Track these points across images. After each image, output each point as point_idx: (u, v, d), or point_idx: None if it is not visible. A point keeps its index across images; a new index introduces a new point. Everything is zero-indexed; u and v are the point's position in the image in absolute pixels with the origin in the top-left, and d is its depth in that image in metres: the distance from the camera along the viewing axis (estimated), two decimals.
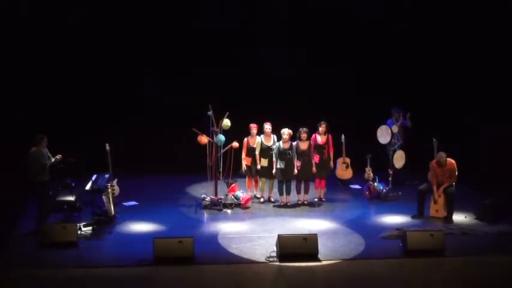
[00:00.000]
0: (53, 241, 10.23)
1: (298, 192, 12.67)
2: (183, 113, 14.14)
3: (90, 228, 11.09)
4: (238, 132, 12.68)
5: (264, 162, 12.56)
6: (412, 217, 11.79)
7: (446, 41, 14.73)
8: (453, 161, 11.67)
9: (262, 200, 12.89)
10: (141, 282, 9.27)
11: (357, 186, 13.91)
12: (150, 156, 14.65)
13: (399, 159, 13.33)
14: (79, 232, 10.67)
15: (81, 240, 10.55)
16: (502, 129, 13.43)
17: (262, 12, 14.61)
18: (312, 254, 9.90)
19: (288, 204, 12.58)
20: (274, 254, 9.99)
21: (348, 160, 13.94)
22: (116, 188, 12.20)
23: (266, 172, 12.60)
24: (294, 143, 12.40)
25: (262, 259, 9.90)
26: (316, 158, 12.61)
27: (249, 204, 12.51)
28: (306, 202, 12.71)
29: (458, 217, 11.72)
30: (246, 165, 12.71)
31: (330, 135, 12.82)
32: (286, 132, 12.32)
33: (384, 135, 13.43)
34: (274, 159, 12.42)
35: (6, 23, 13.69)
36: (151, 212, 12.08)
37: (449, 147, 12.10)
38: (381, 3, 14.69)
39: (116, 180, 12.20)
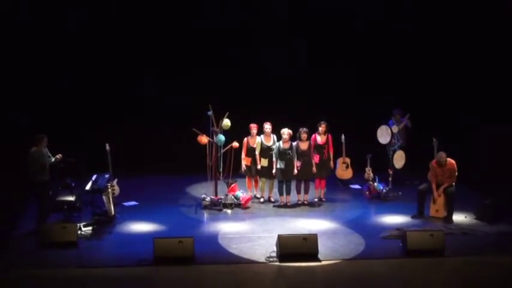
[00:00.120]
0: (53, 241, 10.22)
1: (298, 192, 12.66)
2: (183, 113, 14.14)
3: (90, 228, 11.09)
4: (238, 132, 12.67)
5: (264, 162, 12.55)
6: (412, 217, 11.79)
7: (446, 41, 14.73)
8: (453, 161, 11.67)
9: (262, 200, 12.89)
10: (141, 282, 9.27)
11: (357, 186, 13.90)
12: (150, 156, 14.65)
13: (399, 159, 13.32)
14: (79, 232, 10.66)
15: (81, 240, 10.54)
16: (502, 129, 13.42)
17: (262, 12, 14.60)
18: (312, 254, 9.90)
19: (288, 204, 12.57)
20: (274, 254, 9.98)
21: (348, 160, 13.94)
22: (116, 188, 12.20)
23: (266, 172, 12.60)
24: (294, 143, 12.39)
25: (262, 259, 9.89)
26: (316, 158, 12.60)
27: (249, 204, 12.51)
28: (306, 202, 12.71)
29: (458, 217, 11.72)
30: (246, 165, 12.71)
31: (329, 135, 12.82)
32: (286, 132, 12.32)
33: (384, 135, 13.42)
34: (274, 159, 12.41)
35: (6, 23, 13.69)
36: (151, 212, 12.08)
37: (449, 147, 12.09)
38: (381, 3, 14.69)
39: (116, 180, 12.20)
